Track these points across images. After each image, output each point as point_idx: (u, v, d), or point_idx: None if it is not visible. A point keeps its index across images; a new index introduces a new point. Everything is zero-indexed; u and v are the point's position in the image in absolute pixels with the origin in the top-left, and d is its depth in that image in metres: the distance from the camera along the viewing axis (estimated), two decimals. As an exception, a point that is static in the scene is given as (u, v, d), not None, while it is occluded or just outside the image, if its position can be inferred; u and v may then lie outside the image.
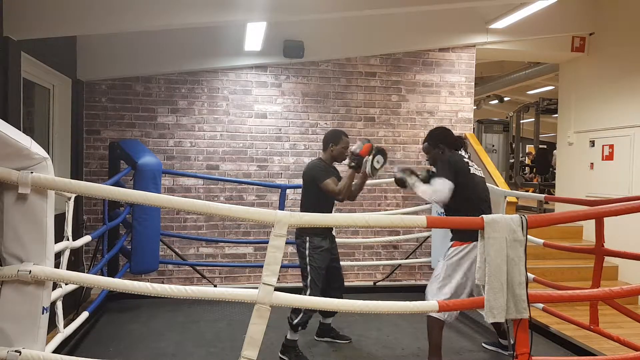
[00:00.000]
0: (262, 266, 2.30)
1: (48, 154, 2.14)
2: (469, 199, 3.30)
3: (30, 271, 2.04)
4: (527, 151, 16.29)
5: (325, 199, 3.73)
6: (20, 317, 2.07)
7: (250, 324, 2.25)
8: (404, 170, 3.56)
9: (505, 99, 13.13)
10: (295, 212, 2.41)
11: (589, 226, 6.10)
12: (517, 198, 5.83)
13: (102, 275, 4.36)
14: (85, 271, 5.06)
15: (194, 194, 5.77)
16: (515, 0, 5.27)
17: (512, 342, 2.62)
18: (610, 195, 5.75)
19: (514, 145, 12.44)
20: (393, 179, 3.64)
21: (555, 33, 6.64)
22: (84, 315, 3.85)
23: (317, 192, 3.69)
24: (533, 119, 12.14)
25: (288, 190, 5.70)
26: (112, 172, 5.16)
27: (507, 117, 13.24)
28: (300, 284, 3.75)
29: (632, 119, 6.07)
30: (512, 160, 12.51)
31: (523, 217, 2.48)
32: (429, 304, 2.58)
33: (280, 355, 3.69)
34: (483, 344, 4.10)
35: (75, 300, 4.36)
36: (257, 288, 2.24)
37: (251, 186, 5.85)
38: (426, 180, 3.45)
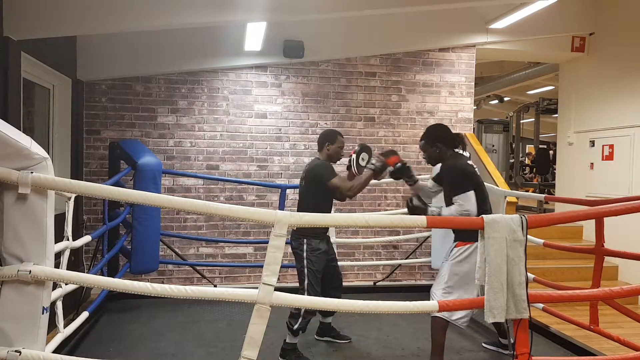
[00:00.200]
0: (262, 266, 2.30)
1: (48, 154, 2.14)
2: (477, 203, 3.25)
3: (30, 271, 2.04)
4: (527, 151, 16.29)
5: (325, 199, 3.71)
6: (20, 317, 2.07)
7: (250, 324, 2.25)
8: (424, 205, 3.36)
9: (505, 99, 13.13)
10: (295, 212, 2.41)
11: (589, 226, 6.10)
12: (517, 198, 5.83)
13: (102, 275, 4.37)
14: (85, 271, 5.06)
15: (194, 194, 5.77)
16: (515, 0, 5.27)
17: (512, 341, 2.61)
18: (610, 195, 5.75)
19: (514, 145, 12.44)
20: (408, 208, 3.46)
21: (555, 33, 6.64)
22: (84, 315, 3.85)
23: (318, 191, 3.67)
24: (533, 119, 12.14)
25: (288, 190, 5.70)
26: (112, 172, 5.16)
27: (507, 117, 13.24)
28: (300, 284, 3.75)
29: (632, 119, 6.07)
30: (512, 160, 12.51)
31: (523, 217, 2.48)
32: (429, 304, 2.58)
33: (280, 359, 3.68)
34: (483, 344, 4.10)
35: (75, 300, 4.36)
36: (257, 288, 2.24)
37: (251, 186, 5.85)
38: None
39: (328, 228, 3.89)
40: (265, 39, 5.33)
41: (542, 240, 4.31)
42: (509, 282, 2.45)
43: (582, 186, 6.82)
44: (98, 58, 5.46)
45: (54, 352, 2.99)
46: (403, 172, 3.55)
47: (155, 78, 5.73)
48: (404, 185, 6.09)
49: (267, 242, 2.27)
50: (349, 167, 3.75)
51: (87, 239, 3.82)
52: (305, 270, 3.63)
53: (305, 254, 3.64)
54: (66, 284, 3.30)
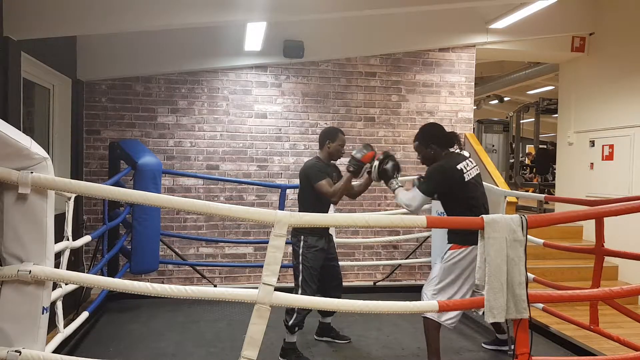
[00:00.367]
0: (262, 266, 2.30)
1: (48, 154, 2.14)
2: (468, 209, 3.23)
3: (30, 271, 2.04)
4: (527, 151, 16.29)
5: (322, 198, 3.72)
6: (20, 317, 2.07)
7: (250, 324, 2.25)
8: (390, 160, 3.52)
9: (505, 99, 13.13)
10: (295, 212, 2.41)
11: (589, 226, 6.10)
12: (517, 198, 5.82)
13: (102, 275, 4.36)
14: (85, 271, 5.06)
15: (194, 194, 5.77)
16: (515, 0, 5.26)
17: (510, 335, 2.61)
18: (610, 195, 5.76)
19: (514, 145, 12.44)
20: (372, 169, 3.56)
21: (555, 33, 6.64)
22: (84, 315, 3.85)
23: (313, 191, 3.69)
24: (533, 119, 12.14)
25: (288, 190, 5.70)
26: (112, 172, 5.16)
27: (507, 117, 13.23)
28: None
29: (632, 119, 6.07)
30: (512, 160, 12.51)
31: (523, 217, 2.48)
32: (429, 304, 2.58)
33: (280, 359, 3.68)
34: (483, 344, 4.10)
35: (75, 300, 4.36)
36: (257, 288, 2.24)
37: (251, 186, 5.85)
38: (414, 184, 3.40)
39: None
40: (265, 39, 5.33)
41: (542, 240, 4.30)
42: (509, 282, 2.45)
43: (582, 186, 6.82)
44: (98, 58, 5.46)
45: (54, 352, 2.99)
46: (392, 161, 3.56)
47: (155, 78, 5.73)
48: (403, 185, 6.08)
49: (267, 242, 2.27)
50: (349, 170, 3.65)
51: (87, 239, 3.82)
52: (300, 267, 3.66)
53: (301, 251, 3.67)
54: (66, 284, 3.29)
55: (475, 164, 3.43)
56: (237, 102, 5.89)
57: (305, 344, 4.00)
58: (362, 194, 4.10)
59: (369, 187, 4.05)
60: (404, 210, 5.77)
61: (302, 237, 3.68)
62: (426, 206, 5.57)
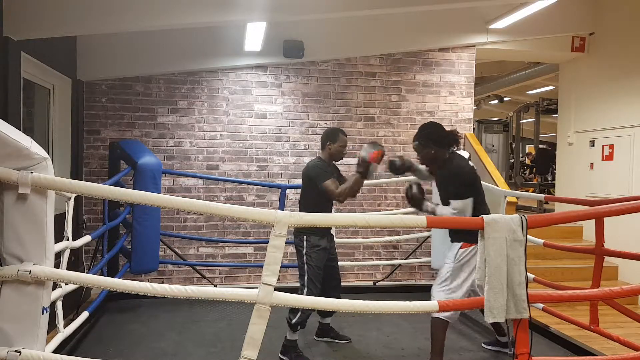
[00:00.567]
0: (262, 266, 2.30)
1: (48, 154, 2.14)
2: (476, 209, 3.25)
3: (30, 271, 2.04)
4: (527, 151, 16.29)
5: (324, 199, 3.72)
6: (20, 317, 2.07)
7: (250, 324, 2.25)
8: (421, 197, 3.41)
9: (505, 99, 13.13)
10: (295, 212, 2.41)
11: (589, 226, 6.10)
12: (517, 198, 5.82)
13: (102, 275, 4.37)
14: (85, 271, 5.06)
15: (194, 194, 5.77)
16: (515, 0, 5.26)
17: (511, 338, 2.61)
18: (610, 195, 5.76)
19: (514, 145, 12.44)
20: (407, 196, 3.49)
21: (555, 33, 6.64)
22: (84, 315, 3.85)
23: (315, 192, 3.68)
24: (533, 119, 12.14)
25: (288, 190, 5.70)
26: (112, 172, 5.16)
27: (507, 117, 13.24)
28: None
29: (632, 119, 6.07)
30: (512, 160, 12.52)
31: (523, 217, 2.48)
32: (429, 304, 2.58)
33: (280, 356, 3.69)
34: (483, 344, 4.10)
35: (75, 300, 4.36)
36: (257, 288, 2.24)
37: (251, 186, 5.85)
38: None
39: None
40: (265, 39, 5.33)
41: (542, 240, 4.30)
42: (509, 282, 2.45)
43: (582, 186, 6.82)
44: (98, 58, 5.46)
45: (54, 352, 2.99)
46: (415, 203, 3.47)
47: (155, 78, 5.73)
48: (404, 185, 6.09)
49: (267, 242, 2.27)
50: (358, 171, 3.61)
51: (87, 239, 3.82)
52: (305, 267, 3.66)
53: (305, 250, 3.67)
54: (66, 284, 3.30)
55: (473, 165, 3.44)
56: (237, 102, 5.89)
57: (305, 344, 4.00)
58: (362, 194, 4.10)
59: (369, 187, 4.05)
60: (404, 210, 5.82)
61: (305, 236, 3.68)
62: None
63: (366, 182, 3.77)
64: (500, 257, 2.44)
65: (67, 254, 3.29)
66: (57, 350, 3.18)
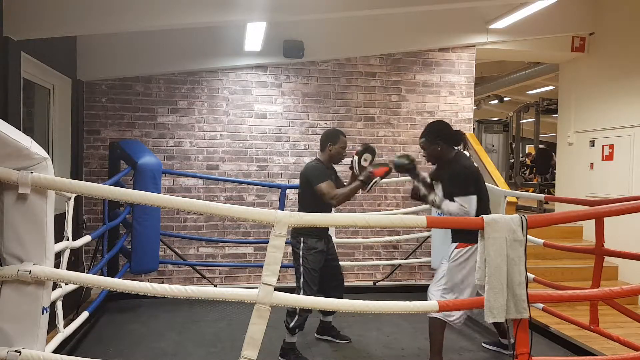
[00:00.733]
0: (262, 266, 2.30)
1: (48, 154, 2.14)
2: (480, 208, 3.23)
3: (30, 271, 2.04)
4: (527, 152, 16.29)
5: (323, 200, 3.72)
6: (20, 317, 2.07)
7: (250, 324, 2.25)
8: (424, 183, 3.44)
9: (505, 99, 13.13)
10: (295, 212, 2.41)
11: (589, 226, 6.10)
12: (517, 198, 5.82)
13: (102, 275, 4.37)
14: (85, 271, 5.06)
15: (194, 194, 5.77)
16: (515, 0, 5.26)
17: (512, 341, 2.61)
18: (610, 195, 5.76)
19: (514, 145, 12.44)
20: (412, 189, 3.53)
21: (555, 33, 6.64)
22: (84, 315, 3.85)
23: (313, 193, 3.68)
24: (533, 119, 12.14)
25: (288, 190, 5.70)
26: (112, 172, 5.16)
27: (507, 117, 13.24)
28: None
29: (632, 119, 6.07)
30: (512, 160, 12.51)
31: (523, 217, 2.48)
32: (429, 304, 2.58)
33: (280, 358, 3.69)
34: (483, 344, 4.10)
35: (75, 300, 4.36)
36: (257, 288, 2.24)
37: (251, 186, 5.85)
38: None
39: (327, 227, 3.89)
40: (265, 39, 5.33)
41: (542, 240, 4.30)
42: (509, 282, 2.45)
43: (582, 186, 6.82)
44: (98, 58, 5.46)
45: (54, 352, 2.99)
46: (371, 152, 3.65)
47: (155, 78, 5.73)
48: (404, 186, 6.10)
49: (267, 242, 2.27)
50: (351, 168, 3.74)
51: (87, 239, 3.82)
52: (301, 269, 3.66)
53: (301, 252, 3.67)
54: (66, 284, 3.30)
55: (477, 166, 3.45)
56: (237, 102, 5.89)
57: (305, 344, 4.00)
58: (362, 194, 4.10)
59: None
60: (404, 210, 5.82)
61: (302, 238, 3.68)
62: (426, 206, 5.60)
63: None
64: (500, 257, 2.44)
65: (67, 254, 3.29)
66: (57, 350, 3.18)
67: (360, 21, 5.88)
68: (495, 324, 3.94)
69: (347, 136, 3.91)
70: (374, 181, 3.54)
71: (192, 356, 3.83)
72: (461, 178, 3.23)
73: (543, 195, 6.52)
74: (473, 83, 6.44)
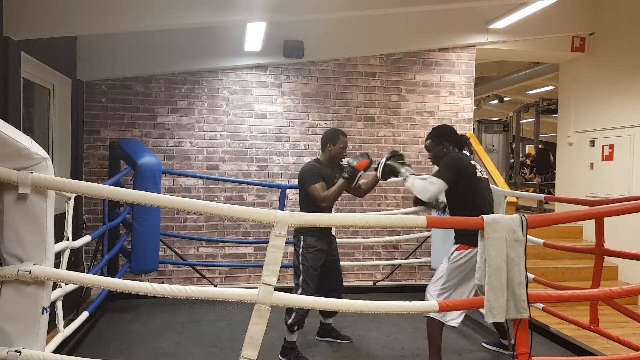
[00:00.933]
0: (262, 266, 2.30)
1: (48, 154, 2.14)
2: (475, 206, 3.23)
3: (30, 271, 2.04)
4: (527, 152, 16.28)
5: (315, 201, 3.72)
6: (20, 317, 2.07)
7: (250, 324, 2.25)
8: (396, 157, 3.51)
9: (505, 99, 13.14)
10: (295, 212, 2.41)
11: (589, 226, 6.10)
12: (517, 198, 5.82)
13: (102, 275, 4.36)
14: (85, 271, 5.06)
15: (194, 194, 5.77)
16: (515, 0, 5.26)
17: (512, 341, 2.61)
18: (610, 195, 5.76)
19: (514, 145, 12.44)
20: (379, 166, 3.58)
21: (555, 33, 6.64)
22: (84, 315, 3.85)
23: (309, 194, 3.70)
24: (533, 119, 12.14)
25: (288, 190, 5.69)
26: (112, 172, 5.16)
27: (507, 117, 13.24)
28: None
29: (632, 119, 6.07)
30: (512, 160, 12.51)
31: (523, 217, 2.48)
32: (429, 304, 2.58)
33: (280, 358, 3.69)
34: (483, 344, 4.10)
35: (75, 300, 4.36)
36: (257, 288, 2.24)
37: (251, 186, 5.85)
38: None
39: (330, 227, 3.89)
40: (265, 39, 5.33)
41: (542, 240, 4.30)
42: (509, 282, 2.45)
43: (582, 186, 6.82)
44: (98, 58, 5.46)
45: (54, 352, 2.99)
46: (391, 169, 3.56)
47: (155, 78, 5.73)
48: (404, 186, 6.09)
49: (267, 242, 2.27)
50: (343, 177, 3.66)
51: (87, 239, 3.81)
52: (301, 267, 3.68)
53: (301, 251, 3.69)
54: (66, 284, 3.30)
55: (483, 170, 3.46)
56: (237, 102, 5.89)
57: (305, 344, 4.00)
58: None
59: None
60: (404, 210, 5.82)
61: (302, 237, 3.70)
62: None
63: None
64: (500, 257, 2.44)
65: (67, 254, 3.29)
66: (57, 350, 3.18)
67: (360, 21, 5.88)
68: (495, 324, 3.94)
69: (347, 136, 3.91)
70: (358, 175, 3.65)
71: (192, 356, 3.83)
72: (446, 164, 3.31)
73: (543, 195, 6.51)
74: (473, 83, 6.44)
